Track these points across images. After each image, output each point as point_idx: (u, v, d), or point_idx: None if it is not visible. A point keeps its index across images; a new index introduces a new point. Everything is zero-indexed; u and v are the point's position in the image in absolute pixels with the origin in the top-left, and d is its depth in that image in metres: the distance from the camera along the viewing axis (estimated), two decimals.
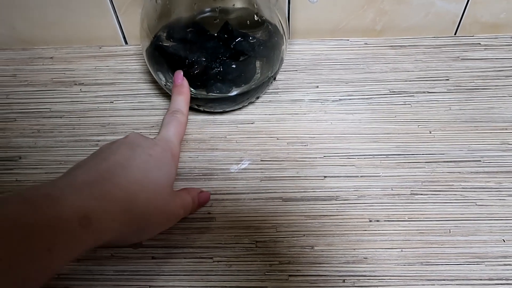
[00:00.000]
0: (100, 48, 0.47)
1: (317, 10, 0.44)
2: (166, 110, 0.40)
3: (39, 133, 0.40)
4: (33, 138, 0.39)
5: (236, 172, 0.36)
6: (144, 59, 0.39)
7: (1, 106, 0.42)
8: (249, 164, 0.37)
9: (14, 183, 0.36)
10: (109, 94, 0.42)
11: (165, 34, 0.36)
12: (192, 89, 0.37)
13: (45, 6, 0.44)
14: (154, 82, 0.42)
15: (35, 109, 0.42)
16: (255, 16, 0.36)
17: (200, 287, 0.30)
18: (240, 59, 0.36)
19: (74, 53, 0.46)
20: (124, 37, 0.47)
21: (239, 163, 0.37)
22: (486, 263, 0.31)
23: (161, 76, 0.37)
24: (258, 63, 0.38)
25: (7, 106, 0.42)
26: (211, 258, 0.32)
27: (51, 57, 0.46)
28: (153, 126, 0.39)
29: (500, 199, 0.34)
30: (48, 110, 0.41)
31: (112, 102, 0.42)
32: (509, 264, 0.31)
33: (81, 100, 0.42)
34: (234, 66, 0.36)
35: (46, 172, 0.37)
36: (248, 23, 0.37)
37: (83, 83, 0.43)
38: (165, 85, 0.38)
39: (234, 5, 0.36)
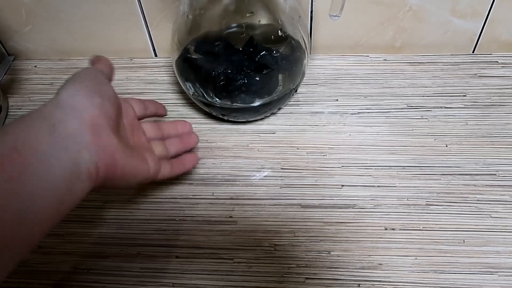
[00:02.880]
0: (132, 60, 0.49)
1: (339, 27, 0.45)
2: (192, 119, 0.43)
3: None
4: None
5: (258, 179, 0.38)
6: (173, 71, 0.41)
7: None
8: (270, 172, 0.38)
9: None
10: None
11: (194, 47, 0.39)
12: (217, 99, 0.39)
13: (83, 20, 0.47)
14: (181, 92, 0.45)
15: None
16: (279, 31, 0.38)
17: (220, 286, 0.32)
18: (264, 72, 0.38)
19: None
20: (154, 50, 0.49)
21: (260, 171, 0.38)
22: (499, 273, 0.31)
23: (189, 86, 0.40)
24: (280, 76, 0.40)
25: None
26: (232, 259, 0.33)
27: None
28: None
29: None
30: None
31: None
32: None
33: None
34: (257, 78, 0.38)
35: None
36: (273, 38, 0.39)
37: None
38: (192, 94, 0.40)
39: (259, 21, 0.38)
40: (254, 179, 0.38)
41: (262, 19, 0.38)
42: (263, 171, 0.38)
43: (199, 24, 0.37)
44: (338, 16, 0.35)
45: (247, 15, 0.37)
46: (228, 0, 0.36)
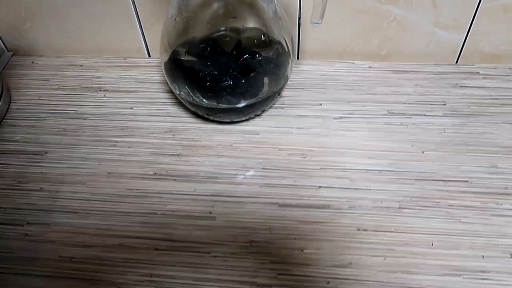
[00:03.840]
0: (126, 59, 0.51)
1: (326, 34, 0.47)
2: (180, 118, 0.44)
3: (65, 132, 0.44)
4: (59, 136, 0.44)
5: (240, 179, 0.39)
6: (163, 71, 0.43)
7: (34, 106, 0.47)
8: (252, 171, 0.40)
9: (39, 175, 0.40)
10: (130, 100, 0.46)
11: (182, 49, 0.40)
12: (203, 100, 0.41)
13: (79, 19, 0.49)
14: (171, 91, 0.46)
15: (63, 110, 0.46)
16: (263, 36, 0.40)
17: (196, 278, 0.33)
18: (249, 75, 0.40)
19: (102, 62, 0.51)
20: (148, 50, 0.51)
21: (247, 170, 0.40)
22: (464, 276, 0.33)
23: (176, 86, 0.41)
24: (265, 79, 0.41)
25: (39, 106, 0.47)
26: (209, 253, 0.34)
27: (81, 65, 0.51)
28: (166, 132, 0.43)
29: (484, 218, 0.36)
30: (75, 112, 0.46)
31: (132, 108, 0.46)
32: (486, 278, 0.32)
33: (104, 104, 0.46)
34: (243, 80, 0.40)
35: (69, 166, 0.41)
36: (258, 42, 0.40)
37: (107, 90, 0.48)
38: (179, 94, 0.41)
39: (243, 25, 0.39)
40: (239, 178, 0.39)
41: (247, 24, 0.40)
42: (249, 170, 0.40)
43: (187, 27, 0.39)
44: (319, 23, 0.37)
45: (231, 19, 0.38)
46: (216, 4, 0.38)
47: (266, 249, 0.35)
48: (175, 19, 0.38)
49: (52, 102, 0.47)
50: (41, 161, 0.42)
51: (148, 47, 0.51)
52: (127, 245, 0.35)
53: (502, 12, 0.43)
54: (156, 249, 0.35)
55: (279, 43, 0.41)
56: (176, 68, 0.40)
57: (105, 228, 0.36)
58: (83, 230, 0.36)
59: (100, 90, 0.48)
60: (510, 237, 0.34)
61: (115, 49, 0.51)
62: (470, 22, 0.45)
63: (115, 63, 0.51)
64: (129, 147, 0.42)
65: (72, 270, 0.34)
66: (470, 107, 0.44)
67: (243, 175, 0.39)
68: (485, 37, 0.46)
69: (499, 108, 0.43)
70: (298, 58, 0.50)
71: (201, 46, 0.40)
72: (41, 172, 0.41)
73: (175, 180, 0.39)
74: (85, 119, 0.45)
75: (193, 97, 0.40)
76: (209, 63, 0.40)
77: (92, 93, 0.48)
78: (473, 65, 0.48)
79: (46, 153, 0.42)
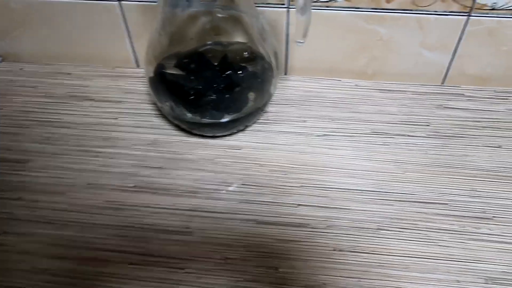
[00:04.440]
0: (114, 68, 0.51)
1: (314, 51, 0.47)
2: (163, 130, 0.44)
3: (48, 141, 0.44)
4: (43, 144, 0.44)
5: (218, 193, 0.39)
6: None
7: (19, 113, 0.47)
8: (233, 187, 0.40)
9: (20, 183, 0.40)
10: (115, 111, 0.46)
11: (166, 64, 0.40)
12: (187, 114, 0.41)
13: (69, 27, 0.49)
14: (156, 103, 0.46)
15: (47, 118, 0.46)
16: (249, 51, 0.40)
17: None
18: (233, 90, 0.40)
19: (90, 71, 0.51)
20: (137, 61, 0.51)
21: (229, 185, 0.39)
22: None
23: (160, 100, 0.41)
24: (249, 94, 0.41)
25: (24, 113, 0.47)
26: (183, 269, 0.34)
27: (70, 73, 0.51)
28: (149, 144, 0.43)
29: (461, 242, 0.36)
30: (59, 120, 0.46)
31: (117, 119, 0.46)
32: None
33: (89, 114, 0.46)
34: (227, 95, 0.40)
35: (49, 176, 0.41)
36: (243, 57, 0.40)
37: (93, 99, 0.48)
38: (162, 107, 0.42)
39: (228, 40, 0.40)
40: (222, 193, 0.39)
41: (232, 39, 0.40)
42: (230, 185, 0.40)
43: (171, 41, 0.39)
44: (302, 43, 0.37)
45: (214, 35, 0.38)
46: (201, 19, 0.38)
47: (241, 267, 0.34)
48: (160, 33, 0.39)
49: (37, 110, 0.47)
50: (22, 170, 0.41)
51: (137, 57, 0.51)
52: (101, 258, 0.35)
53: (487, 35, 0.44)
54: (131, 264, 0.35)
55: (264, 59, 0.41)
56: (160, 82, 0.40)
57: (81, 240, 0.36)
58: (59, 242, 0.36)
59: (87, 99, 0.48)
60: (485, 262, 0.34)
61: (104, 58, 0.51)
62: (456, 44, 0.45)
63: (103, 73, 0.51)
64: (111, 158, 0.42)
65: (45, 282, 0.34)
66: (453, 129, 0.44)
67: (225, 190, 0.39)
68: (471, 60, 0.46)
69: (481, 130, 0.43)
70: (285, 74, 0.50)
71: (185, 60, 0.40)
72: (21, 181, 0.40)
73: (154, 193, 0.39)
74: (69, 128, 0.45)
75: (177, 111, 0.41)
76: (193, 78, 0.40)
77: (78, 102, 0.48)
78: (459, 86, 0.48)
79: (28, 161, 0.42)
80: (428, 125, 0.44)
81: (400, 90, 0.47)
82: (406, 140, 0.43)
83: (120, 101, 0.48)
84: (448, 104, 0.46)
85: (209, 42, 0.40)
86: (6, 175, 0.41)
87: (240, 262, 0.35)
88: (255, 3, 0.43)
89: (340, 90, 0.48)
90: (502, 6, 0.41)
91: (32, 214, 0.38)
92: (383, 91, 0.48)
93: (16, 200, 0.39)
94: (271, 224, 0.37)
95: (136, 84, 0.49)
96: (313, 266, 0.34)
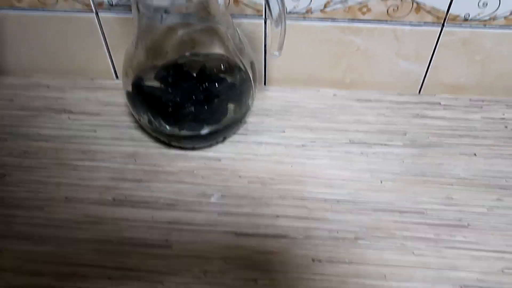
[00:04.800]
0: (92, 80, 0.51)
1: (292, 61, 0.48)
2: (142, 142, 0.44)
3: (25, 154, 0.43)
4: (20, 158, 0.43)
5: (197, 205, 0.39)
6: None
7: None
8: (212, 198, 0.40)
9: None
10: (94, 123, 0.46)
11: (144, 76, 0.40)
12: (166, 127, 0.41)
13: (48, 39, 0.49)
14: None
15: (25, 131, 0.46)
16: (226, 63, 0.40)
17: None
18: (211, 101, 0.40)
19: (69, 83, 0.51)
20: (115, 72, 0.51)
21: (212, 196, 0.40)
22: None
23: (137, 113, 0.41)
24: (228, 106, 0.41)
25: (1, 127, 0.46)
26: (162, 282, 0.34)
27: (47, 86, 0.51)
28: (128, 156, 0.43)
29: (437, 250, 0.36)
30: (37, 133, 0.45)
31: (95, 131, 0.45)
32: None
33: (68, 127, 0.46)
34: (205, 107, 0.40)
35: (27, 190, 0.40)
36: (220, 69, 0.41)
37: (71, 111, 0.47)
38: (140, 120, 0.41)
39: (207, 52, 0.40)
40: (208, 202, 0.39)
41: (213, 49, 0.40)
42: (210, 198, 0.40)
43: (148, 54, 0.39)
44: (278, 55, 0.37)
45: (191, 48, 0.39)
46: (177, 32, 0.38)
47: (220, 280, 0.34)
48: (136, 46, 0.39)
49: (14, 123, 0.47)
50: None
51: (116, 69, 0.51)
52: (80, 273, 0.35)
53: (461, 46, 0.45)
54: (109, 278, 0.35)
55: (241, 70, 0.41)
56: (138, 95, 0.40)
57: (59, 256, 0.36)
58: (36, 258, 0.36)
59: (65, 111, 0.48)
60: (460, 270, 0.35)
61: (82, 70, 0.51)
62: (431, 55, 0.46)
63: (82, 85, 0.51)
64: (90, 171, 0.42)
65: None
66: (430, 138, 0.44)
67: (208, 200, 0.39)
68: (446, 69, 0.47)
69: (458, 139, 0.44)
70: (264, 84, 0.50)
71: (162, 73, 0.40)
72: None
73: (133, 206, 0.39)
74: (46, 141, 0.45)
75: (155, 123, 0.41)
76: (171, 90, 0.40)
77: (56, 114, 0.47)
78: (434, 95, 0.49)
79: (5, 175, 0.42)
80: (405, 134, 0.45)
81: (377, 100, 0.48)
82: (383, 149, 0.44)
83: (98, 114, 0.47)
84: (424, 113, 0.47)
85: (186, 54, 0.41)
86: None
87: (219, 275, 0.35)
88: (232, 15, 0.44)
89: (319, 100, 0.48)
90: (475, 17, 0.42)
91: (9, 229, 0.38)
92: (360, 100, 0.48)
93: None
94: (250, 236, 0.37)
95: (115, 96, 0.49)
96: (292, 278, 0.35)
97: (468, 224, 0.38)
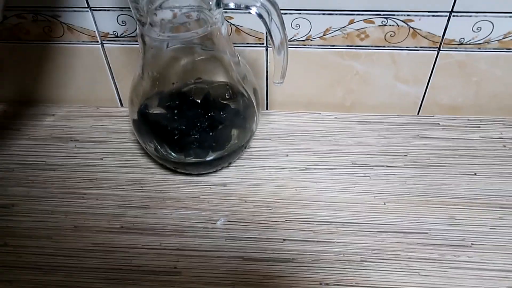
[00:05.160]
0: (98, 108, 0.52)
1: (293, 86, 0.49)
2: (148, 169, 0.45)
3: (33, 184, 0.44)
4: (27, 188, 0.44)
5: (205, 230, 0.40)
6: None
7: (3, 157, 0.47)
8: (223, 222, 0.40)
9: (5, 229, 0.40)
10: (100, 151, 0.47)
11: (149, 105, 0.41)
12: (172, 154, 0.41)
13: (53, 69, 0.50)
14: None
15: (32, 161, 0.46)
16: (229, 90, 0.41)
17: None
18: (216, 128, 0.41)
19: (74, 112, 0.52)
20: (120, 100, 0.52)
21: (218, 220, 0.40)
22: None
23: (144, 141, 0.42)
24: (232, 132, 0.42)
25: (8, 157, 0.47)
26: None
27: (53, 114, 0.52)
28: (135, 183, 0.44)
29: (442, 271, 0.37)
30: (44, 163, 0.46)
31: (102, 159, 0.46)
32: None
33: (74, 155, 0.47)
34: (210, 134, 0.41)
35: (35, 220, 0.41)
36: (224, 96, 0.42)
37: (78, 140, 0.48)
38: (146, 148, 0.42)
39: (211, 79, 0.41)
40: (213, 228, 0.40)
41: (217, 78, 0.41)
42: (215, 223, 0.40)
43: (153, 84, 0.40)
44: (280, 83, 0.38)
45: (195, 76, 0.40)
46: (181, 61, 0.39)
47: None
48: (142, 76, 0.40)
49: (22, 153, 0.47)
50: (7, 215, 0.41)
51: (121, 96, 0.52)
52: None
53: (457, 67, 0.46)
54: None
55: (245, 96, 0.42)
56: (144, 124, 0.41)
57: (69, 285, 0.36)
58: (46, 287, 0.36)
59: (71, 140, 0.48)
60: None
61: (87, 99, 0.52)
62: (428, 77, 0.47)
63: (87, 113, 0.52)
64: (97, 199, 0.42)
65: None
66: (430, 158, 0.45)
67: (214, 225, 0.40)
68: (443, 91, 0.48)
69: (458, 159, 0.45)
70: (267, 109, 0.51)
71: (168, 101, 0.41)
72: (7, 226, 0.40)
73: (141, 233, 0.40)
74: (54, 170, 0.45)
75: (161, 151, 0.41)
76: (176, 117, 0.41)
77: (63, 143, 0.48)
78: (433, 116, 0.50)
79: (13, 205, 0.42)
80: (406, 155, 0.46)
81: (377, 122, 0.49)
82: (385, 171, 0.44)
83: (104, 141, 0.48)
84: (424, 134, 0.48)
85: (191, 82, 0.42)
86: None
87: None
88: (234, 43, 0.45)
89: (320, 123, 0.49)
90: (469, 41, 0.44)
91: (18, 260, 0.38)
92: (361, 122, 0.49)
93: (2, 246, 0.39)
94: (258, 260, 0.38)
95: (120, 123, 0.50)
96: None
97: (472, 244, 0.38)
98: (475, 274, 0.36)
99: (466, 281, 0.36)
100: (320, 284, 0.36)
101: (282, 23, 0.36)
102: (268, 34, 0.37)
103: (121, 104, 0.52)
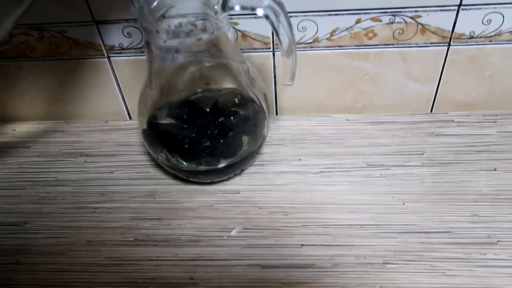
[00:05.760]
0: (106, 122, 0.52)
1: (302, 90, 0.48)
2: (160, 180, 0.44)
3: (44, 200, 0.44)
4: (39, 204, 0.43)
5: (220, 239, 0.39)
6: None
7: (14, 175, 0.46)
8: (234, 232, 0.39)
9: (17, 247, 0.40)
10: (111, 164, 0.46)
11: (158, 115, 0.41)
12: (183, 163, 0.41)
13: (61, 85, 0.50)
14: (151, 154, 0.46)
15: (43, 178, 0.46)
16: (239, 96, 0.41)
17: None
18: (227, 135, 0.40)
19: (83, 127, 0.51)
20: (129, 113, 0.52)
21: (232, 230, 0.39)
22: None
23: (154, 152, 0.41)
24: (243, 138, 0.42)
25: (19, 175, 0.46)
26: None
27: (63, 131, 0.51)
28: (147, 195, 0.43)
29: (469, 270, 0.35)
30: (55, 179, 0.46)
31: (113, 172, 0.46)
32: None
33: (85, 170, 0.46)
34: (221, 141, 0.40)
35: (48, 236, 0.40)
36: (233, 102, 0.41)
37: (88, 155, 0.48)
38: (157, 158, 0.42)
39: (220, 87, 0.41)
40: (226, 237, 0.39)
41: (226, 84, 0.41)
42: (231, 231, 0.39)
43: (161, 94, 0.40)
44: (290, 85, 0.38)
45: (205, 84, 0.39)
46: (189, 69, 0.39)
47: None
48: (150, 86, 0.39)
49: (32, 170, 0.47)
50: (19, 232, 0.41)
51: (129, 109, 0.51)
52: None
53: (468, 63, 0.45)
54: None
55: (254, 102, 0.41)
56: (154, 134, 0.41)
57: None
58: None
59: (81, 155, 0.48)
60: None
61: (96, 114, 0.52)
62: (439, 74, 0.46)
63: (96, 127, 0.51)
64: (109, 213, 0.42)
65: None
66: (447, 156, 0.44)
67: (228, 234, 0.39)
68: (456, 87, 0.47)
69: (476, 155, 0.44)
70: (276, 114, 0.51)
71: (177, 110, 0.41)
72: (19, 244, 0.40)
73: (156, 245, 0.39)
74: (65, 185, 0.45)
75: (172, 160, 0.41)
76: (186, 126, 0.40)
77: (73, 158, 0.48)
78: (447, 113, 0.49)
79: (25, 223, 0.42)
80: (422, 154, 0.45)
81: (390, 122, 0.48)
82: (402, 170, 0.43)
83: (115, 154, 0.48)
84: (439, 131, 0.47)
85: (199, 90, 0.41)
86: (3, 239, 0.40)
87: None
88: (241, 49, 0.45)
89: (332, 126, 0.49)
90: (480, 34, 0.43)
91: (32, 277, 0.37)
92: (374, 123, 0.48)
93: (15, 264, 0.38)
94: (276, 267, 0.36)
95: (129, 136, 0.50)
96: None
97: (498, 241, 0.37)
98: (503, 272, 0.35)
99: (494, 279, 0.34)
100: None
101: (290, 24, 0.35)
102: (276, 35, 0.36)
103: (130, 117, 0.52)
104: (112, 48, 0.47)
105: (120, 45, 0.46)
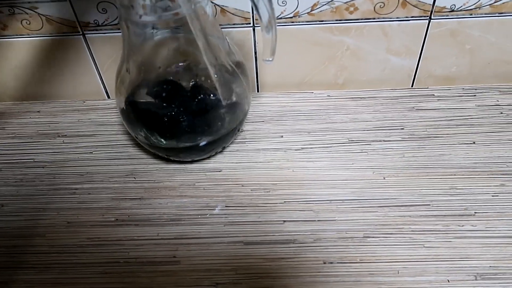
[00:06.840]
0: (84, 102, 0.51)
1: (283, 66, 0.48)
2: (140, 159, 0.44)
3: (21, 182, 0.43)
4: (16, 187, 0.42)
5: (202, 218, 0.39)
6: None
7: None
8: (216, 210, 0.39)
9: None
10: (89, 145, 0.46)
11: (137, 93, 0.40)
12: (163, 141, 0.40)
13: (35, 66, 0.48)
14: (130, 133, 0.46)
15: (19, 159, 0.45)
16: (220, 71, 0.40)
17: None
18: (207, 112, 0.40)
19: (60, 107, 0.50)
20: (107, 92, 0.50)
21: (215, 207, 0.39)
22: None
23: (134, 131, 0.41)
24: (224, 115, 0.41)
25: None
26: None
27: (38, 111, 0.50)
28: (127, 175, 0.42)
29: (447, 241, 0.36)
30: (32, 160, 0.45)
31: (92, 153, 0.45)
32: None
33: (62, 151, 0.45)
34: (201, 118, 0.40)
35: (26, 219, 0.40)
36: (214, 78, 0.40)
37: (65, 135, 0.47)
38: (137, 137, 0.41)
39: (200, 63, 0.40)
40: (208, 215, 0.39)
41: (199, 62, 0.40)
42: (214, 209, 0.39)
43: (139, 71, 0.39)
44: (271, 61, 0.37)
45: (182, 61, 0.38)
46: (166, 46, 0.38)
47: None
48: (127, 64, 0.38)
49: (8, 152, 0.46)
50: None
51: (107, 88, 0.50)
52: None
53: (449, 36, 0.45)
54: None
55: (234, 77, 0.41)
56: (132, 112, 0.40)
57: (65, 282, 0.35)
58: (41, 286, 0.35)
59: (58, 136, 0.47)
60: (473, 259, 0.35)
61: (73, 93, 0.50)
62: (420, 48, 0.46)
63: (73, 107, 0.50)
64: (89, 193, 0.41)
65: None
66: (427, 130, 0.44)
67: (209, 214, 0.39)
68: (436, 61, 0.47)
69: (455, 129, 0.44)
70: (258, 91, 0.50)
71: (155, 87, 0.40)
72: None
73: (137, 225, 0.38)
74: (43, 167, 0.44)
75: (152, 139, 0.40)
76: (165, 104, 0.40)
77: (50, 139, 0.47)
78: (428, 87, 0.49)
79: (2, 206, 0.41)
80: (402, 129, 0.45)
81: (371, 97, 0.48)
82: (382, 145, 0.43)
83: (93, 134, 0.47)
84: (419, 106, 0.47)
85: (178, 67, 0.40)
86: None
87: (231, 286, 0.34)
88: (220, 25, 0.44)
89: (313, 102, 0.48)
90: (461, 7, 0.43)
91: (11, 260, 0.37)
92: (355, 99, 0.48)
93: None
94: (259, 244, 0.37)
95: (108, 115, 0.49)
96: (305, 282, 0.34)
97: (475, 212, 0.38)
98: (480, 242, 0.36)
99: (471, 250, 0.35)
100: (324, 263, 0.35)
101: None
102: (255, 10, 0.36)
103: (108, 96, 0.51)
104: (87, 25, 0.45)
105: (95, 21, 0.45)
